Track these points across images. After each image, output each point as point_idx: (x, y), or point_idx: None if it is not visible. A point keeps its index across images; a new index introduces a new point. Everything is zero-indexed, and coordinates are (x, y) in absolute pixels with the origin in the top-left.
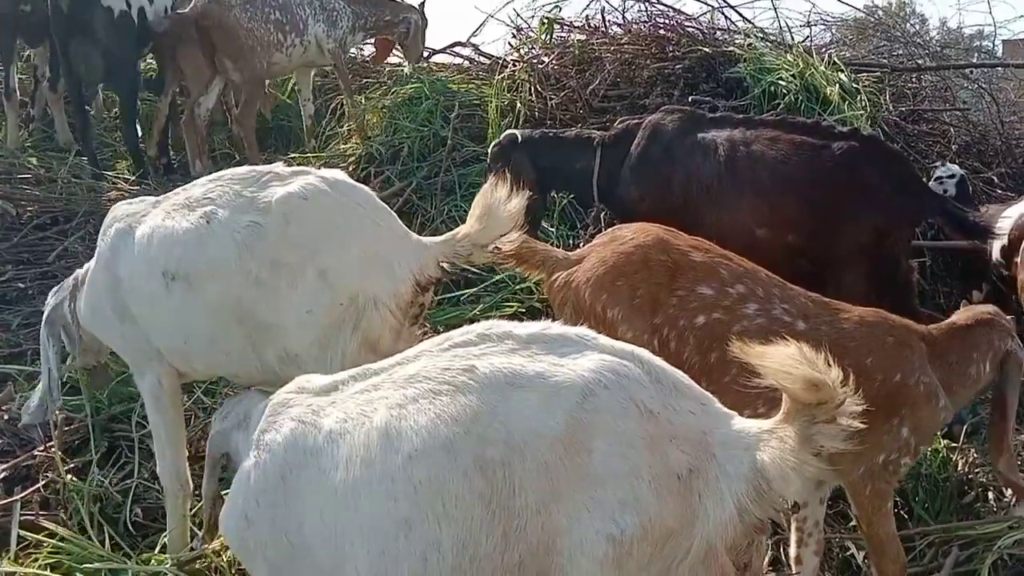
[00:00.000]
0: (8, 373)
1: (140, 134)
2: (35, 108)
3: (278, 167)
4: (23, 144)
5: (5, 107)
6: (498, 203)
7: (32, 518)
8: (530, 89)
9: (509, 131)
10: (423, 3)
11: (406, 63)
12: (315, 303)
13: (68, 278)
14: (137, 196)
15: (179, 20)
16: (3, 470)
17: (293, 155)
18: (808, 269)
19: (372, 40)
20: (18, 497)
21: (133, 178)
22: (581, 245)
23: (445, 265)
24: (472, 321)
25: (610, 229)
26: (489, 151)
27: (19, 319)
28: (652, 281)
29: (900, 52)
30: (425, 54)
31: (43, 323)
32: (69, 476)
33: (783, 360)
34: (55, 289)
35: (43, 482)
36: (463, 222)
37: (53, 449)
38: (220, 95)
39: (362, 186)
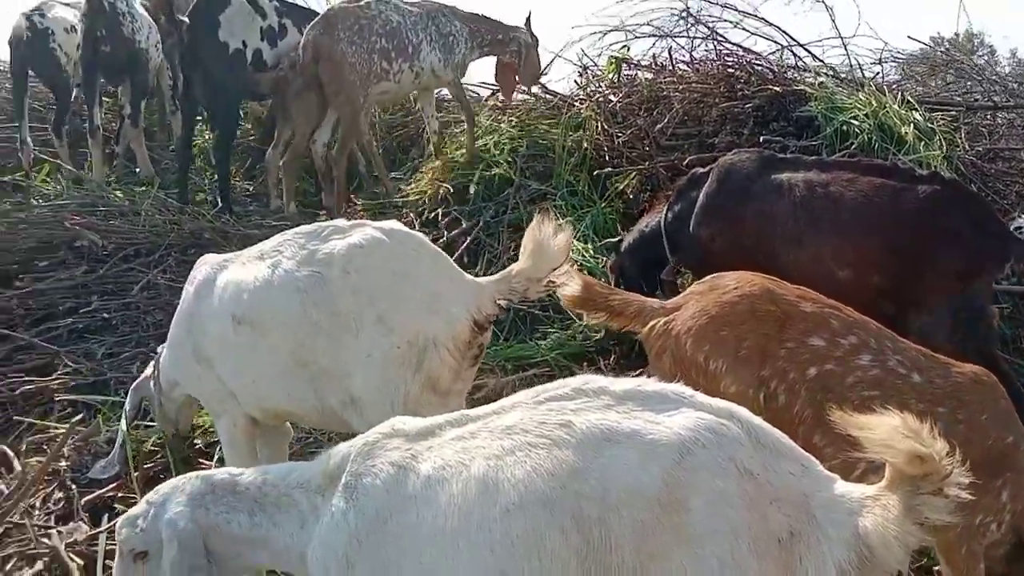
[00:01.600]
0: (94, 403)
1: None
2: (119, 144)
3: (339, 222)
4: (108, 178)
5: (90, 143)
6: (546, 238)
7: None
8: (597, 127)
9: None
10: (528, 19)
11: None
12: (375, 347)
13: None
14: (218, 230)
15: (294, 60)
16: (89, 501)
17: (363, 201)
18: (890, 312)
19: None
20: (104, 528)
21: (213, 212)
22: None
23: (502, 303)
24: (541, 359)
25: (709, 277)
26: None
27: (103, 349)
28: (760, 332)
29: (974, 88)
30: (489, 91)
31: (131, 389)
32: None
33: (887, 433)
34: (153, 362)
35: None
36: None
37: (135, 480)
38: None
39: (417, 233)
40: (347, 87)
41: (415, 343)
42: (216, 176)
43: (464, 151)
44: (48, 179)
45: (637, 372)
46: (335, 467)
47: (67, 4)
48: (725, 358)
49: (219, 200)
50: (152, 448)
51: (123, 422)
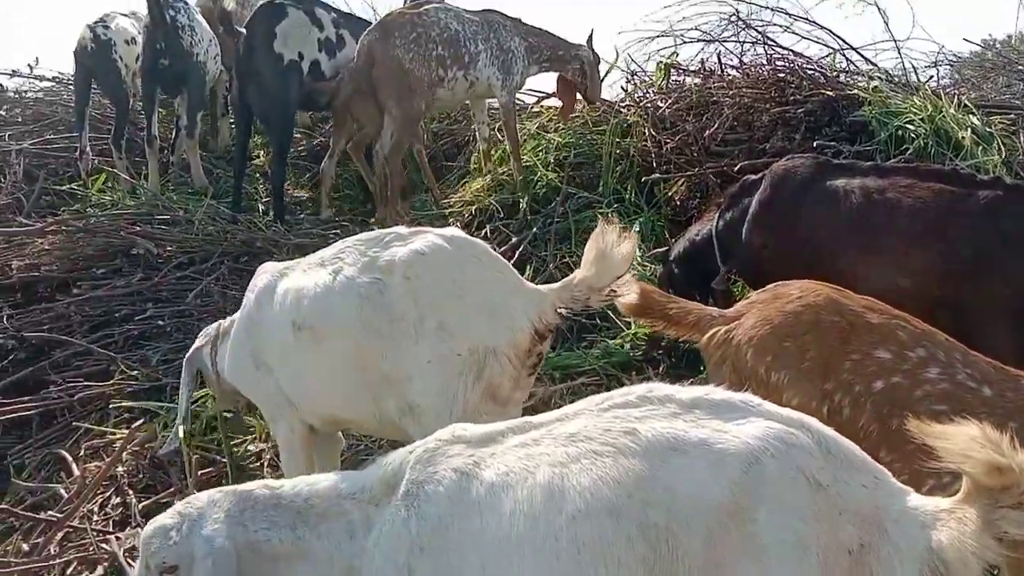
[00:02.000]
0: (149, 408)
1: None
2: (174, 154)
3: (400, 228)
4: (163, 188)
5: (147, 153)
6: (610, 246)
7: None
8: (645, 133)
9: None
10: (591, 36)
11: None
12: (435, 354)
13: (212, 325)
14: (269, 239)
15: (352, 70)
16: (147, 506)
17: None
18: (952, 323)
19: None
20: None
21: (266, 220)
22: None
23: (563, 311)
24: (589, 367)
25: (771, 286)
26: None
27: (159, 355)
28: (824, 343)
29: None
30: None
31: (185, 361)
32: None
33: (965, 443)
34: (202, 332)
35: None
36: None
37: (189, 487)
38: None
39: (478, 240)
40: (403, 93)
41: (475, 351)
42: (271, 186)
43: (509, 170)
44: (104, 188)
45: (689, 382)
46: (391, 476)
47: (129, 15)
48: (788, 369)
49: (273, 211)
50: (206, 452)
51: (184, 386)
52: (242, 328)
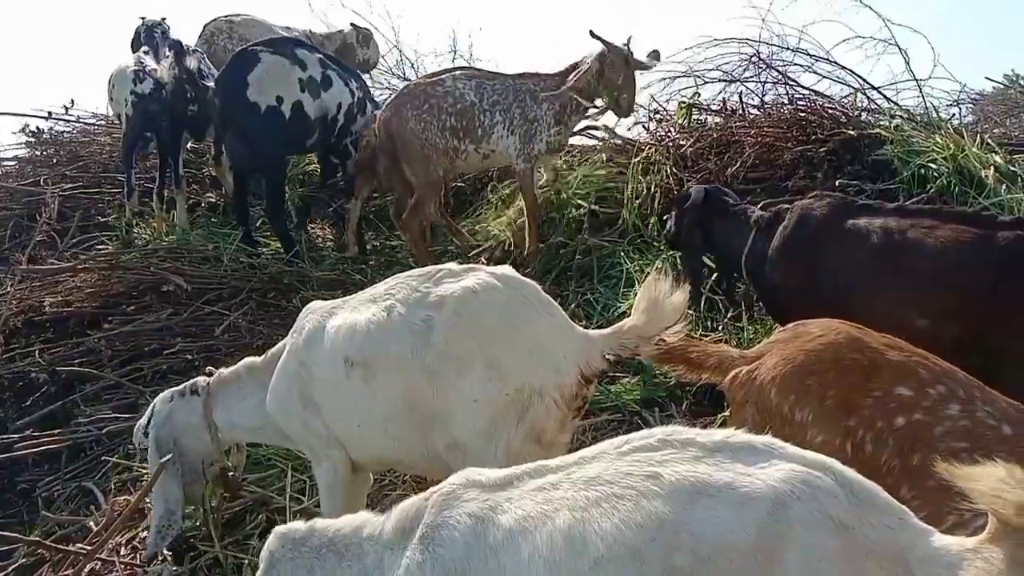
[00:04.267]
0: None
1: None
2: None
3: (452, 265)
4: (190, 224)
5: (175, 193)
6: (663, 295)
7: None
8: (667, 172)
9: (698, 187)
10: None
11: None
12: (482, 393)
13: (169, 393)
14: (296, 274)
15: (369, 140)
16: (173, 541)
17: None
18: (973, 364)
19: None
20: (187, 568)
21: (287, 258)
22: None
23: (610, 357)
24: (611, 404)
25: (792, 325)
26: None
27: None
28: (846, 381)
29: None
30: None
31: (152, 445)
32: (230, 548)
33: (994, 484)
34: (162, 400)
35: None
36: (598, 306)
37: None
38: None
39: (530, 281)
40: (419, 160)
41: (521, 391)
42: (275, 233)
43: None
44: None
45: (710, 419)
46: (409, 520)
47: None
48: (811, 408)
49: (286, 252)
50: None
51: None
52: (290, 368)
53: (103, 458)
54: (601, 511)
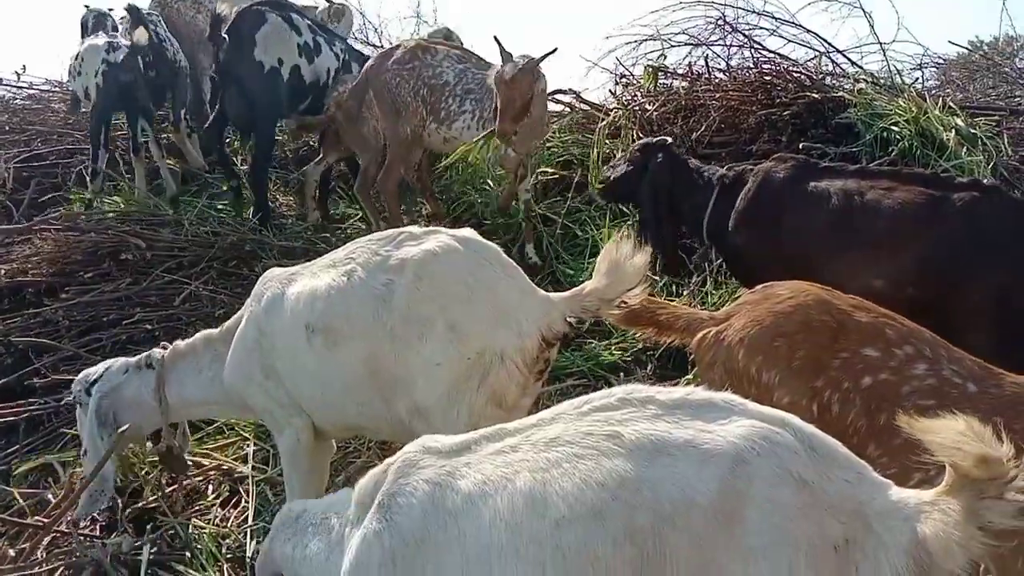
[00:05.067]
0: None
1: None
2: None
3: (413, 228)
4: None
5: (133, 160)
6: (623, 258)
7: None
8: (633, 136)
9: (662, 137)
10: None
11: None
12: (444, 356)
13: (124, 361)
14: (257, 242)
15: (339, 98)
16: (132, 512)
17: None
18: (930, 323)
19: None
20: (147, 538)
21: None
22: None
23: (572, 320)
24: (577, 368)
25: (760, 287)
26: (636, 144)
27: None
28: (813, 342)
29: (1016, 92)
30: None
31: (93, 410)
32: (193, 519)
33: (953, 436)
34: (113, 370)
35: (169, 522)
36: (569, 274)
37: (174, 493)
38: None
39: (491, 243)
40: (390, 115)
41: (483, 354)
42: (253, 193)
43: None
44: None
45: (675, 382)
46: (368, 493)
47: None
48: (778, 369)
49: (258, 216)
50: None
51: (94, 439)
52: (250, 337)
53: (61, 430)
54: (561, 471)
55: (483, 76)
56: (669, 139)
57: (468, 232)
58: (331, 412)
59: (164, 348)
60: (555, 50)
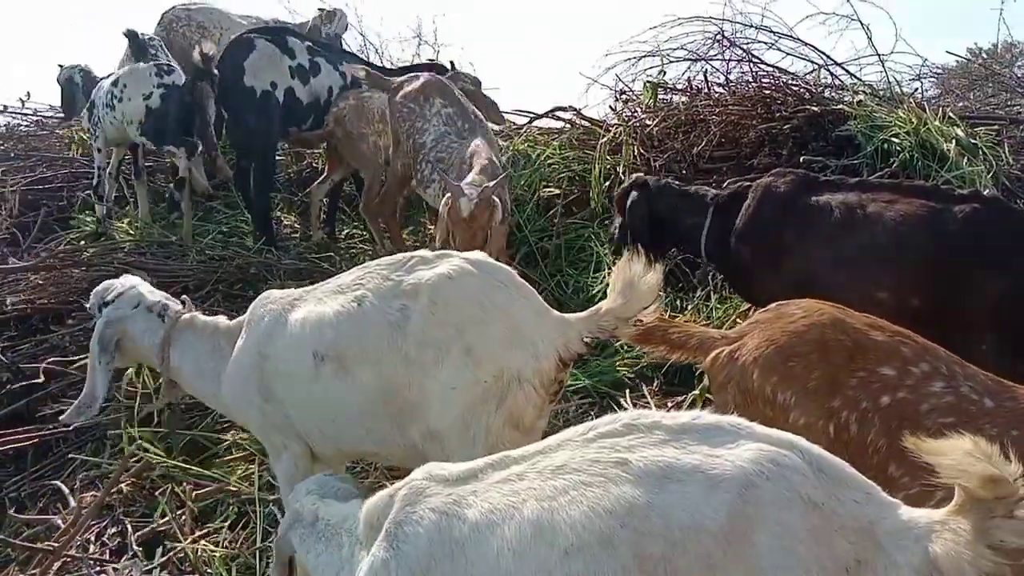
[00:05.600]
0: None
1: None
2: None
3: (424, 252)
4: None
5: (136, 184)
6: (637, 276)
7: None
8: (634, 152)
9: (637, 175)
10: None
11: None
12: (460, 380)
13: (139, 291)
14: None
15: (339, 113)
16: (142, 535)
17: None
18: (933, 335)
19: None
20: (157, 563)
21: (258, 247)
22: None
23: (588, 340)
24: (582, 386)
25: (774, 305)
26: (616, 193)
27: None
28: (829, 362)
29: (1015, 101)
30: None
31: (97, 334)
32: (202, 541)
33: (960, 456)
34: (129, 295)
35: (179, 547)
36: (568, 289)
37: (184, 516)
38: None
39: (505, 266)
40: (392, 144)
41: (500, 377)
42: (255, 217)
43: None
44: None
45: (681, 398)
46: (376, 516)
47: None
48: (794, 390)
49: (262, 238)
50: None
51: (96, 358)
52: (249, 359)
53: (70, 456)
54: (569, 499)
55: (459, 145)
56: (644, 176)
57: (480, 255)
58: (340, 439)
59: (183, 304)
60: (508, 174)
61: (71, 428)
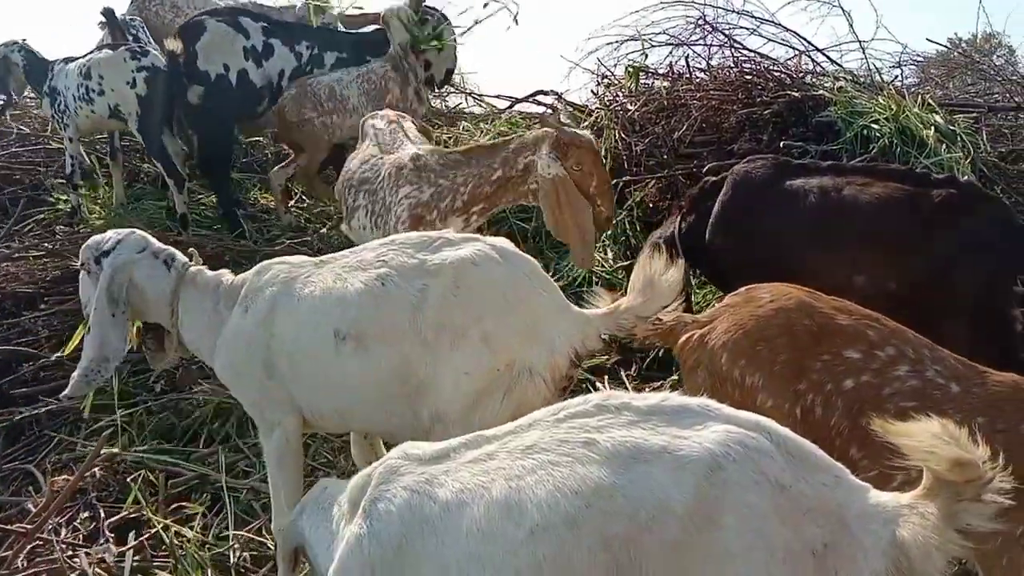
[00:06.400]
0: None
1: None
2: None
3: (448, 232)
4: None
5: (111, 166)
6: (657, 274)
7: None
8: (615, 136)
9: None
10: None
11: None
12: (474, 366)
13: (138, 240)
14: (237, 250)
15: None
16: (114, 521)
17: None
18: (907, 319)
19: None
20: (130, 547)
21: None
22: None
23: (605, 338)
24: None
25: (743, 289)
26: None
27: (128, 367)
28: (795, 346)
29: (994, 89)
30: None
31: (105, 285)
32: (175, 526)
33: (928, 440)
34: (114, 242)
35: (152, 531)
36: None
37: (156, 502)
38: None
39: (529, 257)
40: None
41: (512, 367)
42: (218, 203)
43: None
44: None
45: (660, 383)
46: (357, 492)
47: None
48: (761, 372)
49: (229, 227)
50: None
51: (103, 314)
52: (251, 335)
53: (45, 433)
54: (537, 479)
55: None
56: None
57: (504, 242)
58: (352, 420)
59: (190, 257)
60: None
61: (42, 412)
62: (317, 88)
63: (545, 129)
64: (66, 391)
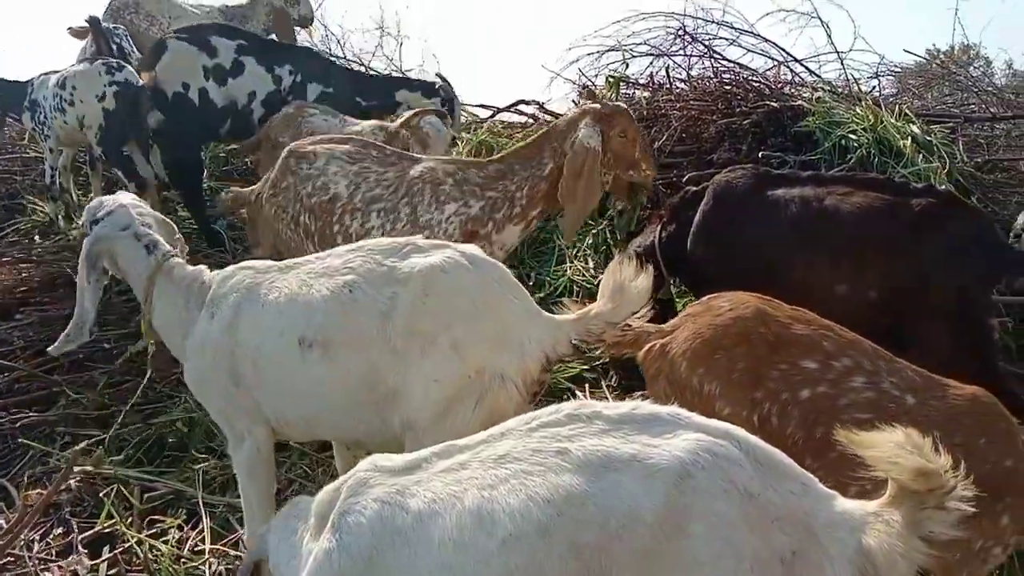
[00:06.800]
0: (94, 435)
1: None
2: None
3: (418, 239)
4: None
5: (91, 175)
6: (627, 280)
7: None
8: None
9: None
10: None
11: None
12: (444, 373)
13: (126, 216)
14: (216, 261)
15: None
16: (87, 536)
17: None
18: (887, 327)
19: None
20: (103, 559)
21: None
22: None
23: (575, 342)
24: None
25: (705, 298)
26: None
27: (105, 378)
28: (752, 354)
29: (970, 100)
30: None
31: (85, 252)
32: (150, 540)
33: (892, 449)
34: (105, 212)
35: (126, 545)
36: (530, 282)
37: (131, 517)
38: None
39: (498, 263)
40: None
41: (483, 374)
42: (195, 220)
43: None
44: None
45: (640, 393)
46: (324, 507)
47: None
48: (719, 381)
49: (208, 239)
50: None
51: (83, 283)
52: (216, 342)
53: (16, 452)
54: (509, 488)
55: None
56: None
57: (474, 248)
58: (321, 427)
59: (173, 248)
60: None
61: (16, 425)
62: (306, 125)
63: (582, 107)
64: (51, 347)
